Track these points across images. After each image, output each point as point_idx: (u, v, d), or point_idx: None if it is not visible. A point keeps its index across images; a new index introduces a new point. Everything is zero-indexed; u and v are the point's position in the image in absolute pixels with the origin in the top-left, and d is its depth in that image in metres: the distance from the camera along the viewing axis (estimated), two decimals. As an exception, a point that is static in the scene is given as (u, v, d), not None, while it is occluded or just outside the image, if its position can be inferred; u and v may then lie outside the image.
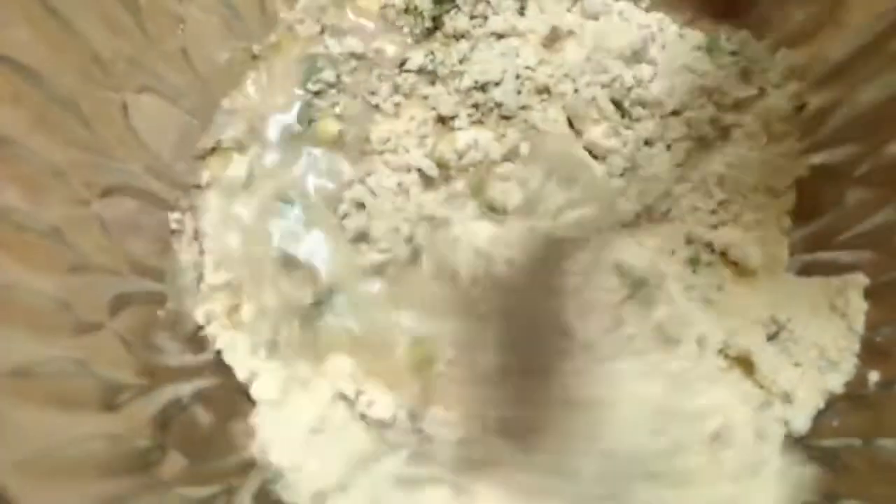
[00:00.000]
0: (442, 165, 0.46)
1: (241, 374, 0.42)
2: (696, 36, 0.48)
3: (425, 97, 0.47)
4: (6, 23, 0.34)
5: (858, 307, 0.43)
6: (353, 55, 0.48)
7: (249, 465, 0.39)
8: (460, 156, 0.45)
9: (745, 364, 0.43)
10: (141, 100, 0.41)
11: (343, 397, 0.42)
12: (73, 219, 0.36)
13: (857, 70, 0.43)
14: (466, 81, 0.46)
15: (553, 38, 0.47)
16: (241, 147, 0.47)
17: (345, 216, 0.45)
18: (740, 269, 0.45)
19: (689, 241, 0.46)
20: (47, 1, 0.35)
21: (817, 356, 0.43)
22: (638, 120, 0.46)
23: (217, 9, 0.45)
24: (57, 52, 0.36)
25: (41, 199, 0.34)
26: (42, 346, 0.32)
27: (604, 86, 0.46)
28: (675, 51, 0.48)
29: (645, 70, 0.47)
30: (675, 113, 0.46)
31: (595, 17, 0.48)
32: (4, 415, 0.29)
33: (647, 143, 0.46)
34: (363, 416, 0.42)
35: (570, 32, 0.47)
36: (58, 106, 0.36)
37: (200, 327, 0.43)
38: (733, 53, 0.47)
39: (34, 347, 0.31)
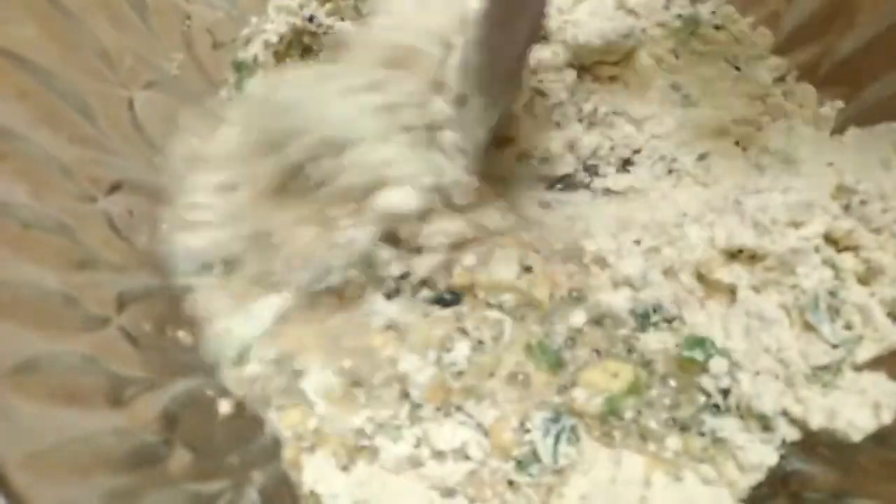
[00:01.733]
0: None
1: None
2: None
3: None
4: (13, 19, 0.34)
5: None
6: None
7: (256, 461, 0.40)
8: None
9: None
10: (147, 96, 0.41)
11: None
12: (79, 215, 0.36)
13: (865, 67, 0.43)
14: None
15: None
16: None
17: None
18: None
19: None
20: (54, -3, 0.36)
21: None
22: None
23: (222, 4, 0.45)
24: (63, 49, 0.36)
25: (48, 194, 0.34)
26: (49, 342, 0.32)
27: None
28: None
29: None
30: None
31: None
32: (12, 410, 0.29)
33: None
34: None
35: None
36: (64, 102, 0.36)
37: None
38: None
39: (41, 343, 0.32)
